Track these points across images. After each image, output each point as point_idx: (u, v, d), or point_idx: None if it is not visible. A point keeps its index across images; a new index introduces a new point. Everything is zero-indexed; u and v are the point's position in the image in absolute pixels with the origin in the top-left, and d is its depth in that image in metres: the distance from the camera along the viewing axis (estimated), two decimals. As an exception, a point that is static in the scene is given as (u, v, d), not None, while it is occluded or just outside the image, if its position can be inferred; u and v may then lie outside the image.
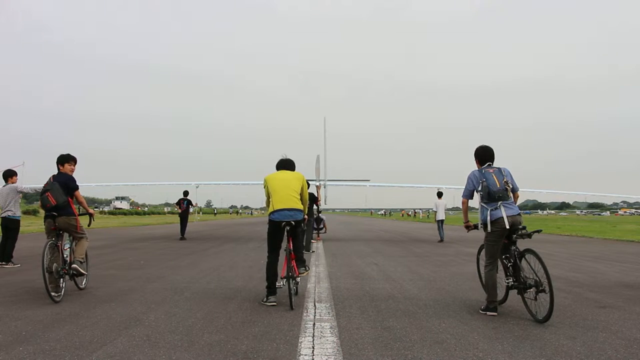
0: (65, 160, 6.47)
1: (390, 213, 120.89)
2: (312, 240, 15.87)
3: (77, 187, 6.41)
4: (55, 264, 5.78)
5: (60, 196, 6.05)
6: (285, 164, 6.13)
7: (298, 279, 5.89)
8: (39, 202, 6.37)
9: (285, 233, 5.70)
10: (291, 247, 5.71)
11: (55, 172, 6.45)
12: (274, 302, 5.55)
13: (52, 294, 5.56)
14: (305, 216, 5.98)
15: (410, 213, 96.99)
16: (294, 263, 5.69)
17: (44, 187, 6.19)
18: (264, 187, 5.90)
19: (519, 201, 5.49)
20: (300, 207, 5.77)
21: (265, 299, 5.61)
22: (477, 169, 5.42)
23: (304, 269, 5.89)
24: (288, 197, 5.68)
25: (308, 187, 7.36)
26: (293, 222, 5.65)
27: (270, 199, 5.77)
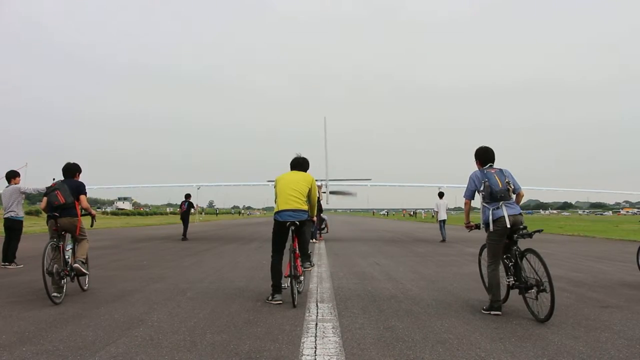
0: (77, 170, 6.62)
1: (386, 213, 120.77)
2: (315, 240, 15.91)
3: (86, 193, 6.50)
4: (56, 265, 5.79)
5: (69, 197, 6.15)
6: (298, 164, 6.15)
7: (301, 278, 5.96)
8: (42, 202, 6.39)
9: (291, 233, 5.75)
10: (296, 246, 5.75)
11: (57, 176, 6.53)
12: (280, 300, 5.59)
13: (54, 294, 5.58)
14: (314, 218, 6.02)
15: (411, 213, 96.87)
16: (297, 262, 5.76)
17: (51, 186, 6.25)
18: (274, 187, 5.97)
19: (523, 200, 5.50)
20: (305, 207, 5.81)
21: (270, 297, 5.66)
22: (477, 169, 5.44)
23: (309, 263, 5.97)
24: (292, 199, 5.73)
25: None
26: (297, 223, 5.70)
27: (276, 200, 5.83)
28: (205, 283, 7.19)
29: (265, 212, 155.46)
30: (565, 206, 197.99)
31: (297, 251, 5.81)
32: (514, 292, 5.16)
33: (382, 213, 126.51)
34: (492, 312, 5.05)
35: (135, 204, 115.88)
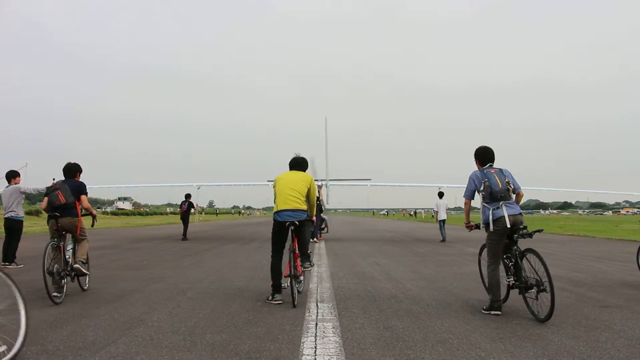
0: (78, 170, 6.63)
1: (386, 213, 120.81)
2: (315, 240, 15.92)
3: (86, 193, 6.51)
4: (56, 265, 5.79)
5: (69, 196, 6.16)
6: (297, 164, 6.16)
7: (301, 278, 5.98)
8: (43, 202, 6.40)
9: (290, 233, 5.75)
10: (295, 246, 5.76)
11: (57, 176, 6.54)
12: (280, 300, 5.59)
13: (55, 294, 5.58)
14: (313, 218, 6.05)
15: (411, 213, 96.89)
16: (297, 262, 5.76)
17: (51, 186, 6.27)
18: (273, 187, 5.98)
19: (523, 200, 5.51)
20: (304, 207, 5.81)
21: (271, 297, 5.67)
22: (477, 169, 5.44)
23: (308, 263, 5.99)
24: (291, 198, 5.74)
25: None
26: (297, 222, 5.70)
27: (275, 200, 5.83)
28: (205, 283, 7.19)
29: (265, 212, 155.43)
30: (565, 206, 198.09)
31: (297, 251, 5.82)
32: (514, 292, 5.17)
33: (382, 213, 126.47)
34: (492, 312, 5.06)
35: (135, 204, 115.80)
